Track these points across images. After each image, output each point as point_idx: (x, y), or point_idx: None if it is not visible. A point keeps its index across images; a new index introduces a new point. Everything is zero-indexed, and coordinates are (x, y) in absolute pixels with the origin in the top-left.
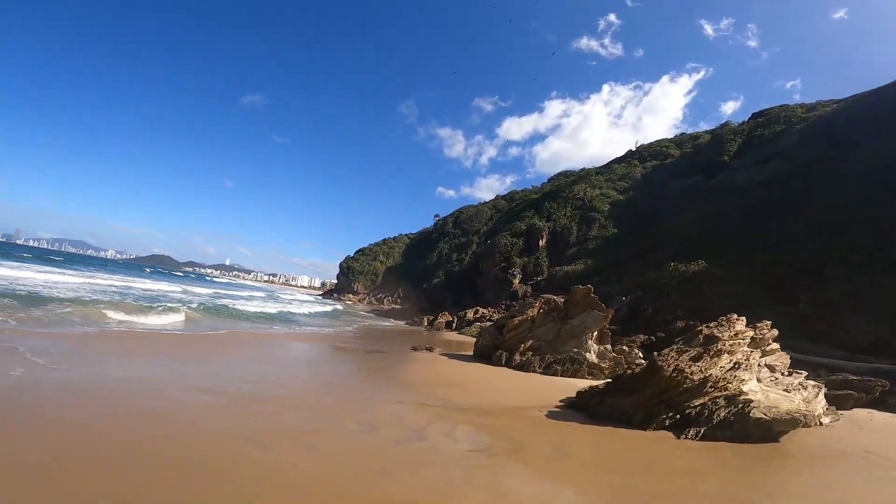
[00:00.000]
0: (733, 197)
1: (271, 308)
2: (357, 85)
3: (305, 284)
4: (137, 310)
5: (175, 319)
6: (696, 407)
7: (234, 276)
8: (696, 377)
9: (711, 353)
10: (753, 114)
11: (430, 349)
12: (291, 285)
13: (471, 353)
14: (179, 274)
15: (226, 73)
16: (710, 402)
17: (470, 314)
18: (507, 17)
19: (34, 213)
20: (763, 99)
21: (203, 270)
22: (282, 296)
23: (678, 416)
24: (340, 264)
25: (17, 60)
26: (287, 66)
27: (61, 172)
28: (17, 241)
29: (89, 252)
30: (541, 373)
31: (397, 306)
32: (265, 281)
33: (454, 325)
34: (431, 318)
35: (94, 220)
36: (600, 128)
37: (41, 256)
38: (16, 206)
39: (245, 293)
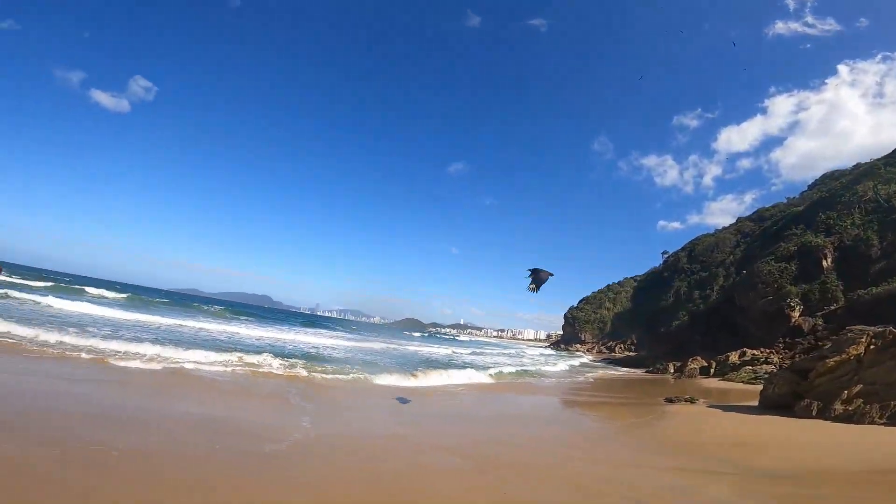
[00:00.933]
0: None
1: (525, 363)
2: (547, 132)
3: (531, 337)
4: (405, 369)
5: (452, 380)
6: None
7: (469, 333)
8: None
9: None
10: None
11: (690, 400)
12: (518, 339)
13: (753, 402)
14: (445, 335)
15: (434, 144)
16: None
17: (734, 357)
18: (677, 28)
19: (327, 290)
20: None
21: (444, 330)
22: (528, 352)
23: None
24: (565, 315)
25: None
26: (483, 133)
27: (341, 254)
28: (318, 313)
29: (363, 319)
30: (883, 424)
31: (631, 353)
32: (495, 336)
33: (711, 370)
34: (678, 363)
35: (365, 292)
36: (859, 112)
37: (341, 325)
38: (315, 285)
39: (496, 350)
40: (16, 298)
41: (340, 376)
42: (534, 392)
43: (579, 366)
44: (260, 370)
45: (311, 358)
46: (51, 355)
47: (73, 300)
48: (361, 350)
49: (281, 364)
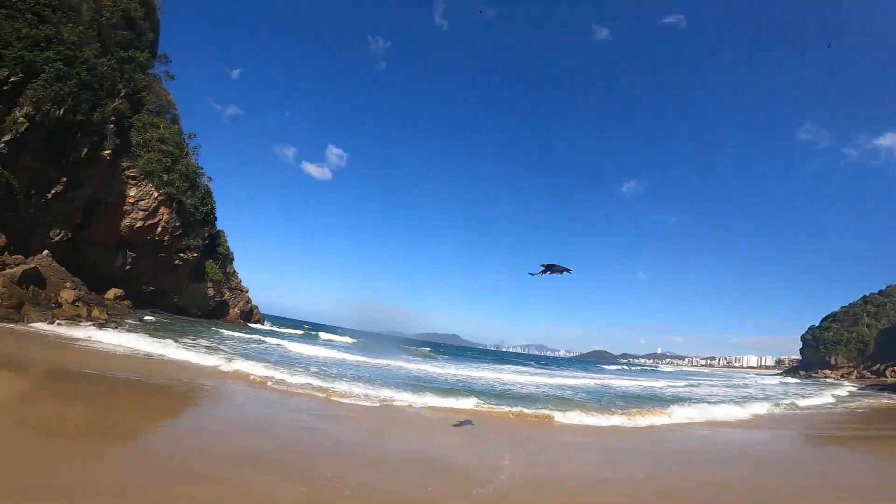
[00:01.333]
0: None
1: (759, 395)
2: (730, 132)
3: (753, 364)
4: (606, 405)
5: (672, 419)
6: None
7: (669, 363)
8: None
9: None
10: None
11: None
12: (735, 367)
13: None
14: (641, 366)
15: (600, 167)
16: None
17: None
18: None
19: (511, 327)
20: None
21: (638, 361)
22: (759, 381)
23: None
24: (803, 336)
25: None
26: (653, 146)
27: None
28: (503, 349)
29: (547, 353)
30: None
31: None
32: (703, 365)
33: None
34: None
35: (547, 325)
36: None
37: (528, 360)
38: (497, 324)
39: (714, 381)
40: (271, 343)
41: (535, 411)
42: (788, 428)
43: (847, 395)
44: (456, 407)
45: (504, 395)
46: (293, 393)
47: (311, 344)
48: (552, 385)
49: (476, 401)
